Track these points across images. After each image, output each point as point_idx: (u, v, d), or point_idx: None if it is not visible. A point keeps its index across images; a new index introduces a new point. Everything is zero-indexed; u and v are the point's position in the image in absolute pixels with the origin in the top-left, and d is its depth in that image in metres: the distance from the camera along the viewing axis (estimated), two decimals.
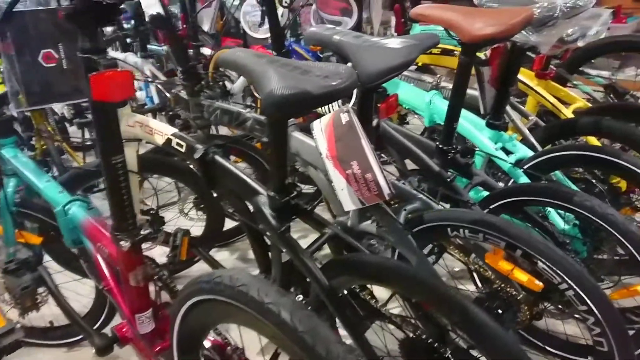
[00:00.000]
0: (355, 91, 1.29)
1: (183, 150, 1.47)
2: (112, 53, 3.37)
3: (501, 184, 1.96)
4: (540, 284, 1.28)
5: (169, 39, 2.00)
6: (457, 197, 1.63)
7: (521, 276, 1.30)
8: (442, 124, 1.65)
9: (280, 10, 1.98)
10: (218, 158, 1.40)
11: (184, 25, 4.08)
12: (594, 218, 1.39)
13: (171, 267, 1.59)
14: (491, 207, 1.60)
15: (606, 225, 1.37)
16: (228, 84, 3.11)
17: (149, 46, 3.54)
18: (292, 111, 1.02)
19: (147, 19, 1.37)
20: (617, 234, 1.36)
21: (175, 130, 1.52)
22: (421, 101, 2.02)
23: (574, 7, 1.50)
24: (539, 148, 1.98)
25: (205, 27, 3.28)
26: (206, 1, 3.14)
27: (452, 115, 1.59)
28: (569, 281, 1.17)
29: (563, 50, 2.20)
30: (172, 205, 2.32)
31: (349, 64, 1.25)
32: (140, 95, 3.22)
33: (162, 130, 1.53)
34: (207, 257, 1.59)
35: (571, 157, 1.68)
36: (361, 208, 1.18)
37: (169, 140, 1.50)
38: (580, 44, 1.95)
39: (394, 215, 1.42)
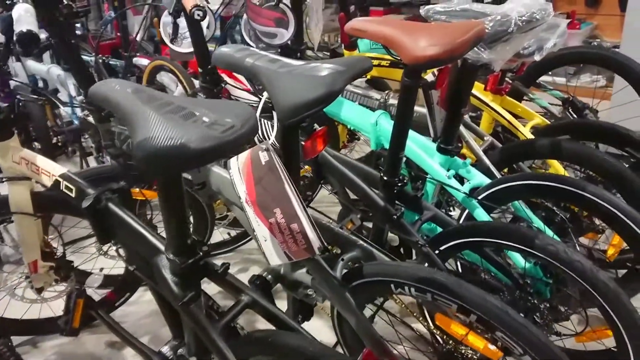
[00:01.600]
0: (276, 125, 1.07)
1: (73, 195, 1.21)
2: (34, 64, 3.05)
3: (456, 214, 1.77)
4: (499, 352, 1.08)
5: (64, 56, 1.74)
6: (405, 236, 1.43)
7: (477, 342, 1.10)
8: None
9: (206, 21, 1.73)
10: (112, 206, 1.15)
11: (118, 34, 3.79)
12: (559, 265, 1.21)
13: (64, 334, 1.33)
14: (443, 247, 1.41)
15: (573, 275, 1.18)
16: None
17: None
18: (165, 170, 0.79)
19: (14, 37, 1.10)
20: (585, 284, 1.18)
21: (64, 170, 1.26)
22: (366, 122, 1.81)
23: (530, 21, 1.32)
24: (496, 172, 1.80)
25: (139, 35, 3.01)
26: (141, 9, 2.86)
27: (397, 144, 1.38)
28: (532, 353, 0.98)
29: (519, 64, 2.04)
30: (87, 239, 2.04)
31: (265, 94, 1.02)
32: (66, 111, 2.92)
33: (49, 170, 1.27)
34: (109, 323, 1.33)
35: (531, 188, 1.49)
36: None
37: (57, 183, 1.24)
38: (537, 57, 1.78)
39: (328, 268, 1.20)
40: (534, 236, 1.25)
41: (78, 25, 3.49)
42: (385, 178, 1.43)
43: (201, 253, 1.01)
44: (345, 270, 1.22)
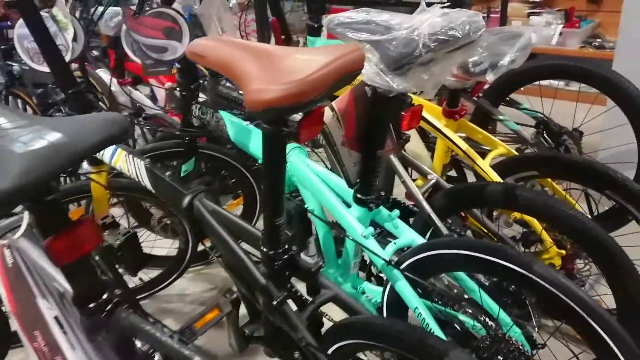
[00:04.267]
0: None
1: None
2: None
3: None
4: None
5: None
6: (290, 331, 1.05)
7: None
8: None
9: (70, 34, 1.37)
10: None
11: None
12: None
13: None
14: (332, 348, 1.03)
15: None
16: None
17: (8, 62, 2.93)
18: None
19: None
20: None
21: None
22: None
23: (447, 40, 0.93)
24: (438, 224, 1.42)
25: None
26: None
27: (271, 208, 1.00)
28: None
29: (473, 83, 1.65)
30: None
31: None
32: None
33: None
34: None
35: (466, 260, 1.11)
36: None
37: None
38: (489, 77, 1.39)
39: None
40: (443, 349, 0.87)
41: None
42: (264, 250, 1.06)
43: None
44: None
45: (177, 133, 1.74)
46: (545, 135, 1.81)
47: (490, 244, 1.12)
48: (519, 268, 1.02)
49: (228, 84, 1.67)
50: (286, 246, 1.03)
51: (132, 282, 1.88)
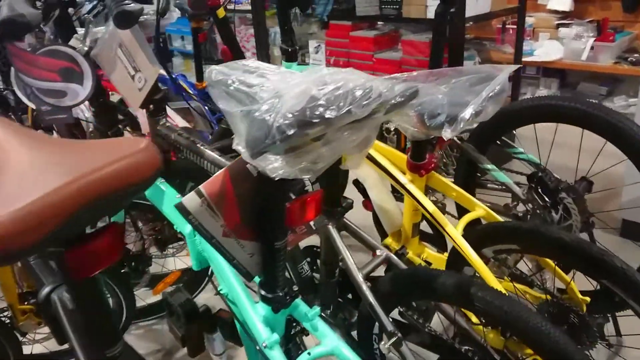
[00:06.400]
0: None
1: None
2: None
3: None
4: None
5: None
6: None
7: None
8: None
9: None
10: None
11: None
12: None
13: None
14: None
15: None
16: None
17: None
18: None
19: None
20: None
21: None
22: (183, 227, 1.18)
23: (313, 123, 0.64)
24: (381, 316, 1.12)
25: None
26: None
27: None
28: None
29: (435, 137, 1.34)
30: None
31: None
32: None
33: None
34: None
35: None
36: None
37: None
38: (447, 134, 1.09)
39: None
40: None
41: None
42: None
43: None
44: None
45: None
46: (538, 190, 1.47)
47: None
48: None
49: (169, 124, 1.43)
50: None
51: None
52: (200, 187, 0.83)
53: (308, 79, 0.69)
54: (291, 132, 0.62)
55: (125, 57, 1.28)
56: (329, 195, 1.18)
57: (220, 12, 1.76)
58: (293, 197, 0.84)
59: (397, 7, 2.60)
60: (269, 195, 0.82)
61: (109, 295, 1.66)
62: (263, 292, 0.98)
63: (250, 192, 0.85)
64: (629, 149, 1.33)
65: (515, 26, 3.13)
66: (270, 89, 0.68)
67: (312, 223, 1.00)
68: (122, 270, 1.64)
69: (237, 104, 0.71)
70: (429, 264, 1.58)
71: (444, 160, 1.83)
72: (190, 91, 2.88)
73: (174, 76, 3.03)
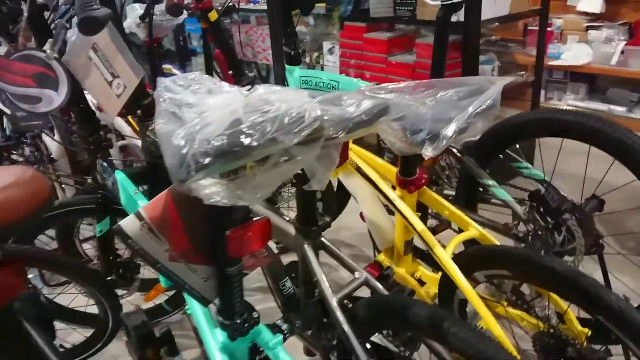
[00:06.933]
0: None
1: None
2: None
3: None
4: None
5: None
6: None
7: None
8: None
9: None
10: None
11: None
12: None
13: None
14: None
15: None
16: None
17: None
18: None
19: None
20: None
21: None
22: None
23: (233, 152, 0.57)
24: (354, 346, 1.04)
25: None
26: None
27: None
28: None
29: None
30: None
31: None
32: None
33: None
34: None
35: None
36: None
37: None
38: (428, 152, 1.02)
39: None
40: None
41: None
42: None
43: None
44: None
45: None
46: (540, 209, 1.37)
47: None
48: None
49: None
50: None
51: None
52: (140, 209, 0.78)
53: (241, 100, 0.62)
54: (206, 161, 0.55)
55: (102, 62, 1.24)
56: (304, 213, 1.12)
57: (212, 15, 1.70)
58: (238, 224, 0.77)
59: (412, 8, 2.50)
60: (210, 221, 0.76)
61: (93, 303, 1.64)
62: (220, 319, 0.92)
63: (194, 213, 0.79)
64: (637, 168, 1.22)
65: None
66: (197, 110, 0.62)
67: (274, 246, 0.94)
68: (108, 278, 1.60)
69: (165, 124, 0.65)
70: (423, 283, 1.50)
71: (447, 172, 1.73)
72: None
73: None
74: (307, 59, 3.33)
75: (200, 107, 0.62)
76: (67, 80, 1.23)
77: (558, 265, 1.06)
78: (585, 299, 1.02)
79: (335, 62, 3.05)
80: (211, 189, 0.66)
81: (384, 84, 1.19)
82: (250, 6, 3.64)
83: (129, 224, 0.77)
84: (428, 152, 1.02)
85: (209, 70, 2.55)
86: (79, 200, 1.54)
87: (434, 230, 1.69)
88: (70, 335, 1.76)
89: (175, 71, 3.08)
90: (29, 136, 2.19)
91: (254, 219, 0.79)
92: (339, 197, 1.96)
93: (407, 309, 0.99)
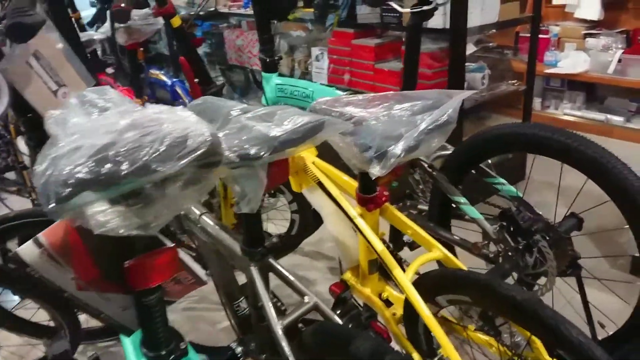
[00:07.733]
0: None
1: None
2: None
3: None
4: None
5: None
6: None
7: None
8: None
9: None
10: None
11: None
12: None
13: None
14: None
15: None
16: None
17: None
18: None
19: None
20: None
21: None
22: None
23: (100, 180, 0.51)
24: None
25: None
26: None
27: None
28: None
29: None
30: None
31: None
32: None
33: None
34: None
35: None
36: None
37: None
38: (374, 171, 0.95)
39: None
40: None
41: None
42: None
43: None
44: None
45: None
46: (510, 229, 1.29)
47: None
48: None
49: None
50: None
51: None
52: (39, 235, 0.71)
53: (125, 121, 0.56)
54: (65, 192, 0.49)
55: (45, 70, 1.18)
56: (249, 235, 1.05)
57: (175, 21, 1.64)
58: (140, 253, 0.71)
59: (398, 14, 2.43)
60: (111, 250, 0.70)
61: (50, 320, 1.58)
62: (144, 351, 0.86)
63: (99, 242, 0.72)
64: (610, 189, 1.14)
65: (539, 35, 2.87)
66: (73, 131, 0.55)
67: (202, 273, 0.87)
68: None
69: (46, 146, 0.59)
70: (390, 304, 1.42)
71: (421, 187, 1.66)
72: (185, 98, 2.80)
73: (172, 82, 2.97)
74: (297, 65, 3.27)
75: (78, 128, 0.56)
76: (7, 89, 1.17)
77: (518, 293, 0.98)
78: (543, 331, 0.94)
79: (324, 69, 2.98)
80: (99, 218, 0.59)
81: (340, 96, 1.12)
82: (242, 11, 3.59)
83: (27, 251, 0.71)
84: (375, 170, 0.95)
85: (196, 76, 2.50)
86: (34, 211, 1.48)
87: (411, 246, 1.62)
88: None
89: (162, 77, 3.03)
90: (2, 142, 2.15)
91: (164, 247, 0.72)
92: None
93: (351, 339, 0.92)
